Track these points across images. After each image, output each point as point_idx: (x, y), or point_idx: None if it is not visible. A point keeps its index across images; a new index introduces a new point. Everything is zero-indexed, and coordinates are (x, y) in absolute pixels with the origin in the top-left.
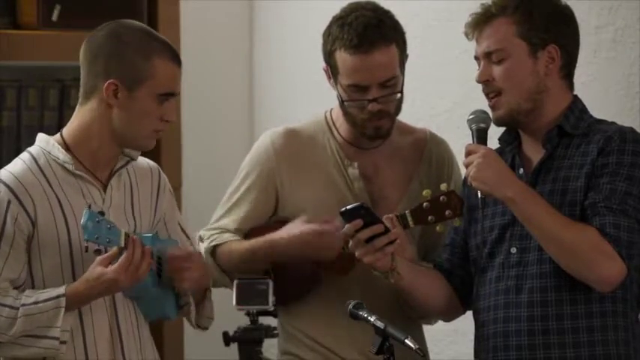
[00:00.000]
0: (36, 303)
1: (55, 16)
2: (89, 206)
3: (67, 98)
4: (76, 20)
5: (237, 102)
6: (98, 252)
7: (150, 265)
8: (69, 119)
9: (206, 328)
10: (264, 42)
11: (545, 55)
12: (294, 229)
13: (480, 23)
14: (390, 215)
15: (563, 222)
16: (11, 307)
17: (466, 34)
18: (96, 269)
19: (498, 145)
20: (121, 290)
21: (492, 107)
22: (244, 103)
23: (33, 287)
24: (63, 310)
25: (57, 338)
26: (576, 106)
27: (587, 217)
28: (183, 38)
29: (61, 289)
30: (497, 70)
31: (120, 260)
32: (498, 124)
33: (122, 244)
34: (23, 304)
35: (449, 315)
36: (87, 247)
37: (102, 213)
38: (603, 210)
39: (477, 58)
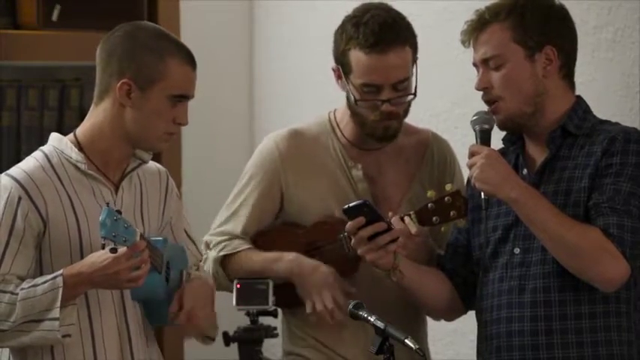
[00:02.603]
0: (34, 286)
1: (55, 16)
2: (107, 204)
3: (67, 98)
4: (76, 20)
5: (237, 102)
6: (114, 251)
7: (148, 271)
8: (69, 119)
9: (213, 339)
10: (264, 42)
11: (543, 57)
12: (321, 271)
13: (475, 30)
14: (396, 216)
15: (566, 223)
16: (12, 294)
17: (462, 42)
18: (99, 251)
19: (502, 146)
20: (119, 279)
21: (493, 112)
22: (244, 104)
23: None
24: (61, 290)
25: (56, 319)
26: (580, 106)
27: (591, 217)
28: (183, 38)
29: (59, 270)
30: (495, 77)
31: (126, 248)
32: (501, 128)
33: None
34: (22, 288)
35: (450, 314)
36: (104, 245)
37: (119, 212)
38: (607, 210)
39: (474, 65)
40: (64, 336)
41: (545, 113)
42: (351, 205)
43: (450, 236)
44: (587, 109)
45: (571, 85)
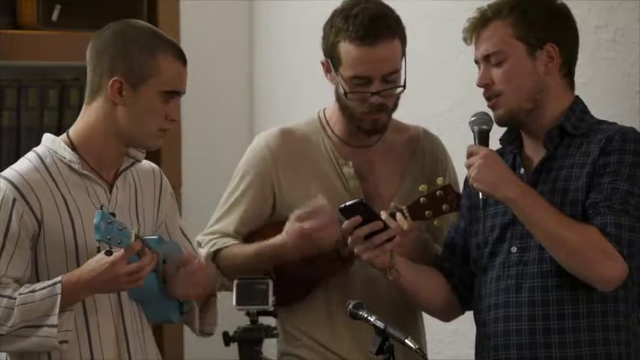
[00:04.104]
0: (32, 292)
1: (55, 16)
2: (101, 207)
3: (67, 98)
4: (76, 20)
5: (237, 102)
6: (109, 253)
7: (150, 272)
8: (69, 119)
9: (210, 334)
10: (264, 42)
11: (544, 55)
12: (292, 231)
13: (477, 27)
14: (385, 213)
15: (564, 222)
16: (9, 298)
17: (464, 39)
18: (96, 256)
19: (499, 146)
20: (119, 282)
21: (492, 107)
22: (244, 103)
23: None
24: (59, 297)
25: (55, 325)
26: (577, 106)
27: (588, 216)
28: (183, 38)
29: (58, 277)
30: (496, 73)
31: (123, 250)
32: (499, 124)
33: None
34: (20, 293)
35: (448, 314)
36: (99, 248)
37: (113, 214)
38: (605, 209)
39: (476, 61)
40: (61, 342)
41: (544, 111)
42: (347, 204)
43: (447, 236)
44: (584, 109)
45: (571, 84)
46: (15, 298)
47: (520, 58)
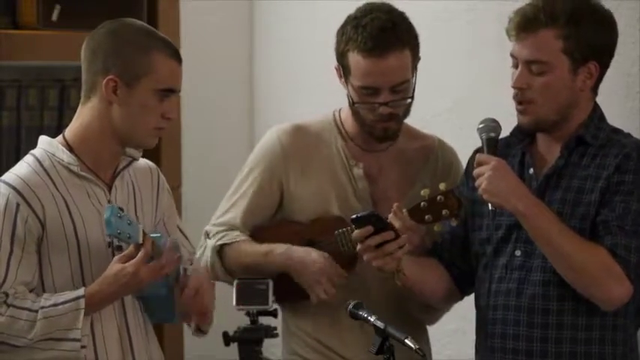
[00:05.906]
0: (55, 305)
1: (55, 16)
2: (109, 201)
3: (67, 98)
4: (76, 20)
5: (237, 102)
6: (119, 249)
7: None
8: (69, 119)
9: (204, 333)
10: (264, 42)
11: (585, 71)
12: (314, 260)
13: (527, 29)
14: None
15: (573, 239)
16: (30, 310)
17: (508, 33)
18: (114, 266)
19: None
20: (141, 286)
21: (520, 112)
22: (244, 103)
23: (43, 289)
24: (82, 311)
25: (78, 340)
26: (595, 113)
27: (598, 234)
28: (183, 38)
29: (80, 291)
30: (536, 81)
31: (139, 254)
32: (523, 129)
33: (140, 240)
34: (42, 307)
35: (448, 303)
36: (110, 243)
37: (121, 209)
38: (615, 229)
39: (513, 56)
40: (81, 347)
41: (570, 122)
42: (359, 215)
43: (447, 226)
44: (601, 117)
45: (595, 95)
46: (36, 311)
47: (562, 73)
